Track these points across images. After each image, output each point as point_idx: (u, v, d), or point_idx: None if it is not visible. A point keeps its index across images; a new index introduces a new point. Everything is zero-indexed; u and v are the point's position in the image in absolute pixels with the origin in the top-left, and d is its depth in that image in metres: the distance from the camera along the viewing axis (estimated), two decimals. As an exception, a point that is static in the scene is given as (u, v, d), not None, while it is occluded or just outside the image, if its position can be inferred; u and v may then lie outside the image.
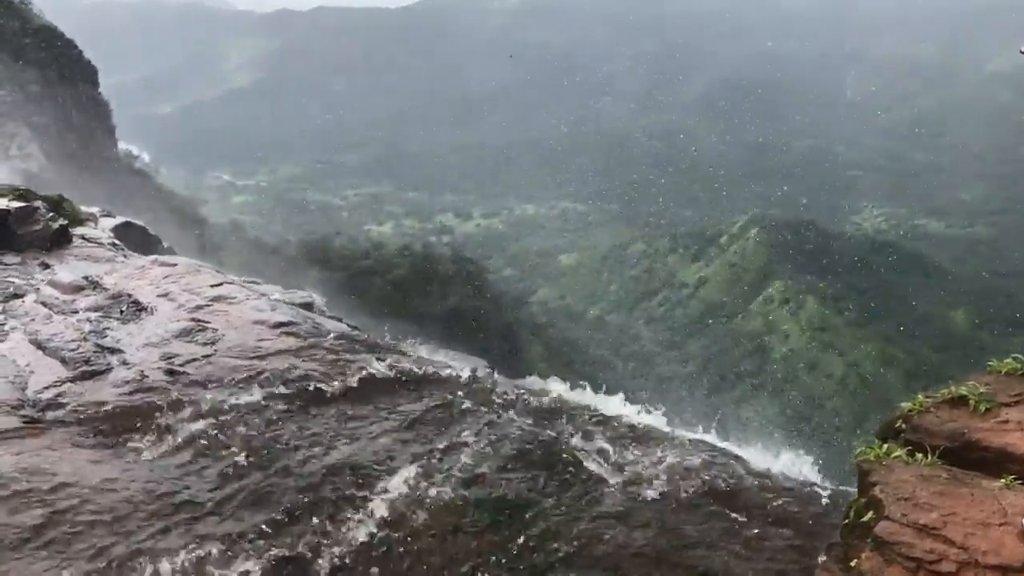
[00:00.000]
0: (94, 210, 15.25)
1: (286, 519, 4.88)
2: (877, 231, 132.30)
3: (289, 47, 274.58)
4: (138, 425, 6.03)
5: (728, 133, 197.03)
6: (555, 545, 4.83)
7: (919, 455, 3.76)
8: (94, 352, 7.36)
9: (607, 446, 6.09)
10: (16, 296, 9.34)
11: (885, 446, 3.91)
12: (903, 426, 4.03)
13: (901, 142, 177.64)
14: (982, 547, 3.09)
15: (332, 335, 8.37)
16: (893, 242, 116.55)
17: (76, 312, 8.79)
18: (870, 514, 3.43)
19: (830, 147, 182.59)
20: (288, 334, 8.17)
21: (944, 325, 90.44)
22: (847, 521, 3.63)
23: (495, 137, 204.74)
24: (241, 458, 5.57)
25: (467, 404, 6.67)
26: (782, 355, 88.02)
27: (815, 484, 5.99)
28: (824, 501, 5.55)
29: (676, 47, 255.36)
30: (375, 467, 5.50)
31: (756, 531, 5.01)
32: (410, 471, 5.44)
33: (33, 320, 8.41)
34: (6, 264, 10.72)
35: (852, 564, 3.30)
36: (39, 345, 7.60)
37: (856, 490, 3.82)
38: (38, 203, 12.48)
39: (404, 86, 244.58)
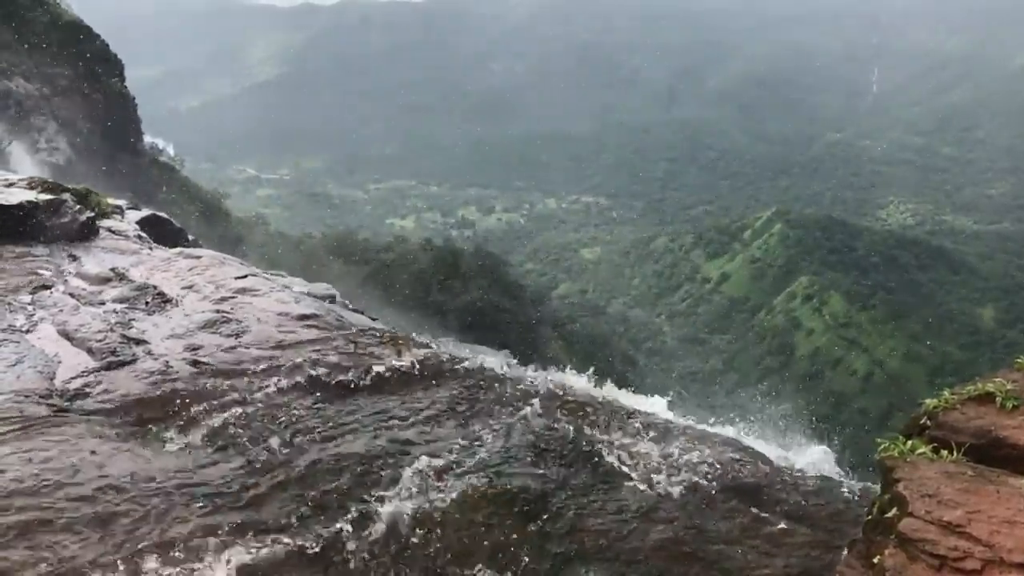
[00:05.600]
0: (120, 203, 15.37)
1: (308, 511, 4.92)
2: (903, 226, 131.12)
3: (313, 41, 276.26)
4: (163, 415, 6.10)
5: (752, 127, 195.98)
6: (575, 539, 4.84)
7: (944, 452, 3.72)
8: (120, 343, 7.44)
9: (628, 440, 6.09)
10: (45, 287, 9.46)
11: (909, 443, 3.88)
12: (928, 423, 4.00)
13: (928, 136, 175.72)
14: (1008, 545, 3.07)
15: (355, 328, 8.42)
16: (919, 238, 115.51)
17: (103, 303, 8.89)
18: (894, 511, 3.41)
19: (856, 141, 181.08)
20: (312, 326, 8.23)
21: (971, 322, 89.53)
22: (870, 518, 3.61)
23: (517, 131, 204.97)
24: (264, 449, 5.62)
25: (487, 397, 6.69)
26: (806, 351, 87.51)
27: (838, 481, 5.95)
28: (847, 498, 5.52)
29: (700, 40, 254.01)
30: (397, 459, 5.53)
31: (778, 527, 5.00)
32: (432, 463, 5.47)
33: (61, 311, 8.52)
34: (35, 256, 10.86)
35: (875, 561, 3.28)
36: (67, 335, 7.70)
37: (879, 487, 3.79)
38: (66, 196, 12.61)
39: (427, 79, 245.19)
